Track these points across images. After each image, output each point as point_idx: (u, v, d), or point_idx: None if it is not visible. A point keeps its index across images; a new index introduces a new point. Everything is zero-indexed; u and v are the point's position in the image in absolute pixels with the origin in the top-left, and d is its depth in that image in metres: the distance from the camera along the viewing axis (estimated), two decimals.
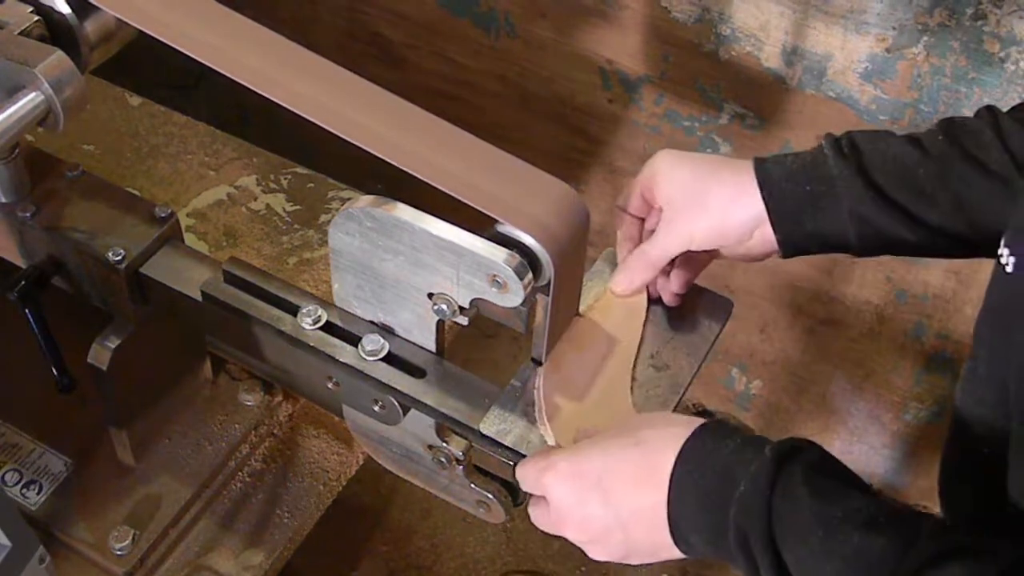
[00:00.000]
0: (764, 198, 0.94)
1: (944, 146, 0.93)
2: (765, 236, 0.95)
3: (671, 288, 1.00)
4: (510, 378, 0.93)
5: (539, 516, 0.87)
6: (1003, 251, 0.79)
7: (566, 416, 0.90)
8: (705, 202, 0.95)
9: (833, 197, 0.93)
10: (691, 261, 0.99)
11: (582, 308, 0.97)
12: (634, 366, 0.95)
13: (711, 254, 1.00)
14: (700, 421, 0.80)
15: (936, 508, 0.90)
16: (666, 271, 1.00)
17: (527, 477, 0.86)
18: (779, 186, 0.94)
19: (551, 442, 0.88)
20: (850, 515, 0.71)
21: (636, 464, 0.80)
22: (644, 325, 0.98)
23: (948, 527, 0.73)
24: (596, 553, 0.84)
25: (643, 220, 1.01)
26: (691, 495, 0.77)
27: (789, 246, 0.96)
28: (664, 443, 0.79)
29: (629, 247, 1.01)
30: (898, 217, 0.92)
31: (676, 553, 0.80)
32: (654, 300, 1.01)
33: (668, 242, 0.97)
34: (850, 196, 0.92)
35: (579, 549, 0.86)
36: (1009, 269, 0.78)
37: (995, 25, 1.45)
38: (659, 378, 0.94)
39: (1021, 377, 0.76)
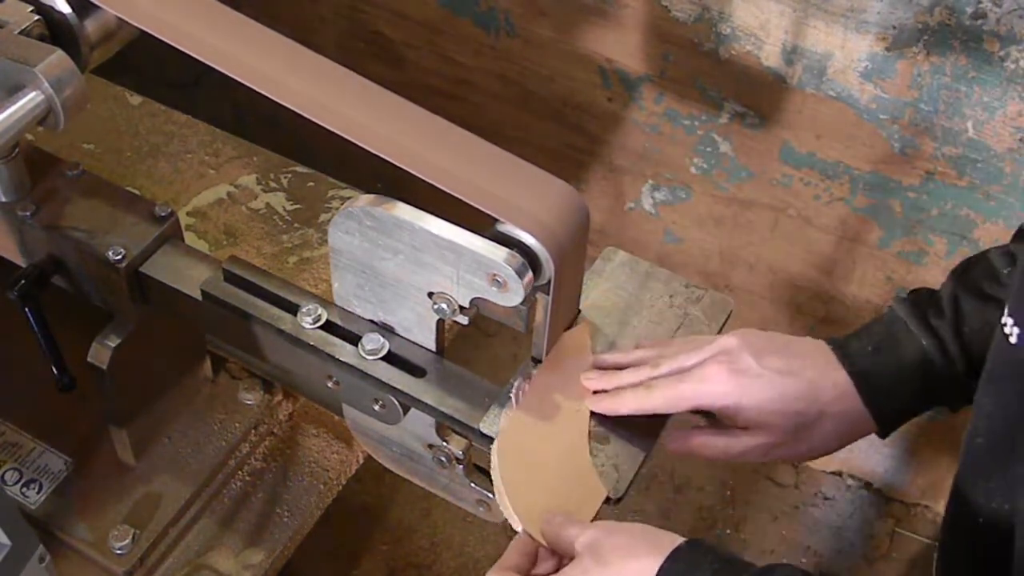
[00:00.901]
0: (868, 407, 0.89)
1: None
2: (823, 430, 0.90)
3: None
4: (510, 377, 0.93)
5: None
6: (1007, 320, 0.76)
7: (530, 497, 0.87)
8: (790, 371, 0.88)
9: (915, 358, 0.89)
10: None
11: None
12: None
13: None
14: (672, 545, 0.78)
15: (935, 507, 0.90)
16: None
17: None
18: (881, 388, 0.89)
19: (518, 527, 0.85)
20: None
21: None
22: None
23: None
24: None
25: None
26: None
27: (888, 425, 0.91)
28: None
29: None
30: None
31: None
32: None
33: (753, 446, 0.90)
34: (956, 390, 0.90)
35: None
36: (1013, 340, 0.76)
37: (995, 24, 1.45)
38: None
39: None
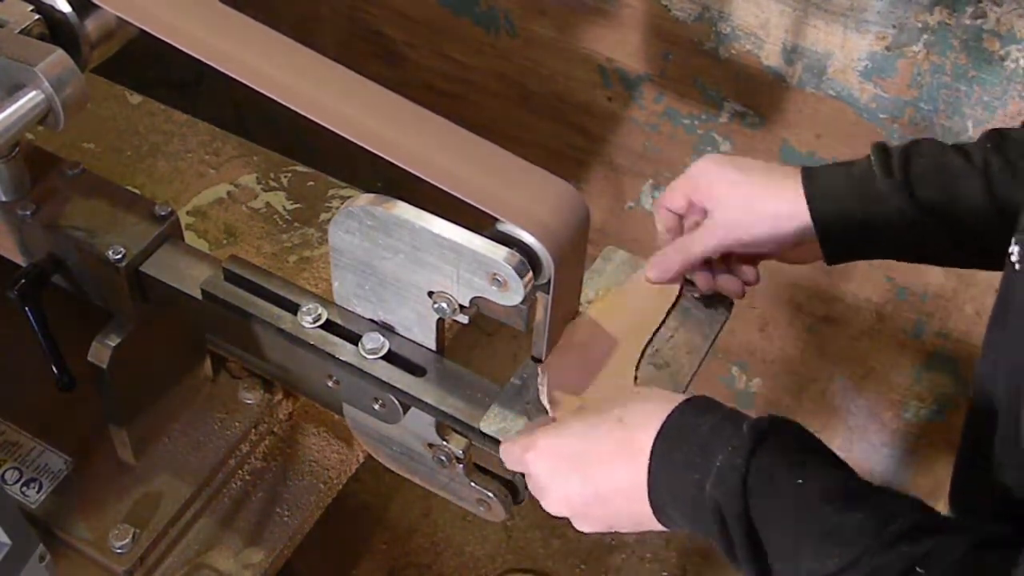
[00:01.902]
0: (812, 213, 0.95)
1: (989, 155, 0.94)
2: (812, 247, 0.98)
3: (743, 279, 1.02)
4: (510, 376, 0.93)
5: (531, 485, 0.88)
6: (1013, 249, 0.79)
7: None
8: (755, 209, 0.97)
9: (881, 214, 0.95)
10: (743, 258, 1.02)
11: (582, 304, 0.97)
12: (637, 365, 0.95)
13: (759, 253, 1.01)
14: (683, 397, 0.81)
15: (937, 507, 0.90)
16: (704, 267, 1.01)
17: (510, 455, 0.87)
18: (827, 202, 0.96)
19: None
20: (827, 491, 0.72)
21: (616, 441, 0.80)
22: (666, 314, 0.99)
23: (926, 506, 0.73)
24: (580, 526, 0.85)
25: (681, 216, 1.02)
26: (669, 470, 0.77)
27: (834, 257, 0.99)
28: (645, 418, 0.80)
29: (669, 238, 1.02)
30: (945, 230, 0.94)
31: (658, 525, 0.80)
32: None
33: (711, 241, 0.98)
34: (898, 211, 0.94)
35: (578, 548, 0.86)
36: (1018, 267, 0.78)
37: (995, 23, 1.45)
38: (659, 376, 0.94)
39: None
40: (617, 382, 0.92)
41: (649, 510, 0.79)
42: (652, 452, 0.78)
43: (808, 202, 0.96)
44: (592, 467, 0.81)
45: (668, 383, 0.94)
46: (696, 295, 1.01)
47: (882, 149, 0.97)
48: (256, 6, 1.18)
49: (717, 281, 1.01)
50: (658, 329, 0.97)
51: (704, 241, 0.98)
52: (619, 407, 0.82)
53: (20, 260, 1.09)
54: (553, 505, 0.85)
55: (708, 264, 1.01)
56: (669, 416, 0.79)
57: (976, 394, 0.86)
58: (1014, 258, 0.79)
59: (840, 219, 0.96)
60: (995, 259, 0.87)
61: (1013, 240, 0.80)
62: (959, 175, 0.94)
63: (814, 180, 0.97)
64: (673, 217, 1.02)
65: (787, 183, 0.97)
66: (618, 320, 0.97)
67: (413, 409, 0.94)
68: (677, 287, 1.01)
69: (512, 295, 0.84)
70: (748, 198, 0.97)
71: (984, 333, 0.86)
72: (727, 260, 1.02)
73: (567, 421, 0.85)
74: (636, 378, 0.93)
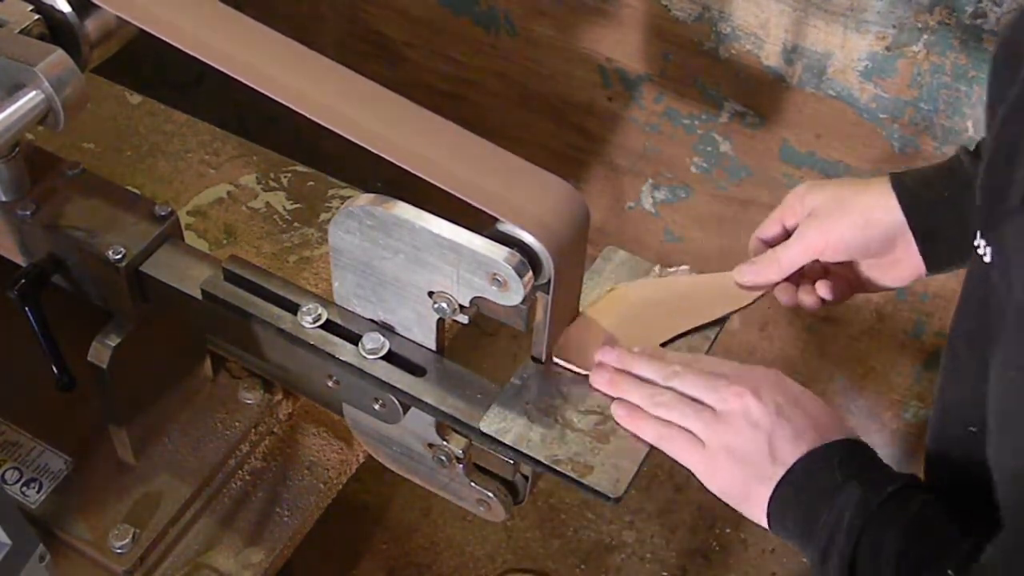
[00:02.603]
0: (901, 202, 0.94)
1: None
2: (908, 251, 0.96)
3: (818, 294, 1.01)
4: (510, 376, 0.93)
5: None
6: (979, 242, 0.78)
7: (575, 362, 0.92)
8: (844, 206, 0.96)
9: (971, 197, 0.91)
10: (837, 278, 1.00)
11: (584, 304, 0.97)
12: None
13: (857, 277, 1.00)
14: (830, 438, 0.83)
15: None
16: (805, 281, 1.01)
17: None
18: (917, 194, 0.94)
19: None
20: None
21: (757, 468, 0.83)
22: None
23: None
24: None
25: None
26: (792, 510, 0.81)
27: (932, 258, 0.96)
28: (792, 447, 0.82)
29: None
30: None
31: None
32: None
33: (801, 245, 0.97)
34: None
35: (578, 548, 0.86)
36: (987, 259, 0.78)
37: (995, 24, 1.45)
38: None
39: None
40: None
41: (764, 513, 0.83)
42: (771, 498, 0.82)
43: (895, 189, 0.94)
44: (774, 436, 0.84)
45: None
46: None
47: (965, 148, 0.96)
48: (256, 6, 1.18)
49: (799, 293, 1.01)
50: (706, 326, 0.98)
51: (793, 246, 0.97)
52: (773, 432, 0.83)
53: (20, 260, 1.09)
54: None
55: (798, 277, 1.00)
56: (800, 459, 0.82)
57: (945, 378, 0.87)
58: (981, 251, 0.78)
59: (932, 209, 0.94)
60: None
61: (978, 235, 0.79)
62: None
63: (902, 175, 0.96)
64: (765, 248, 1.01)
65: (876, 180, 0.96)
66: (668, 299, 0.99)
67: (413, 409, 0.94)
68: (750, 295, 1.00)
69: (512, 295, 0.84)
70: (837, 198, 0.96)
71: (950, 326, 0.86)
72: (818, 277, 1.01)
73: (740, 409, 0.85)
74: None
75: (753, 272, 1.00)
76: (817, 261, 0.99)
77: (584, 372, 0.92)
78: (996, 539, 0.72)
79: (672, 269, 1.02)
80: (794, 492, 0.82)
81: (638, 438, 0.88)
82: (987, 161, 0.78)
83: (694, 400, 0.87)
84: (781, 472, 0.82)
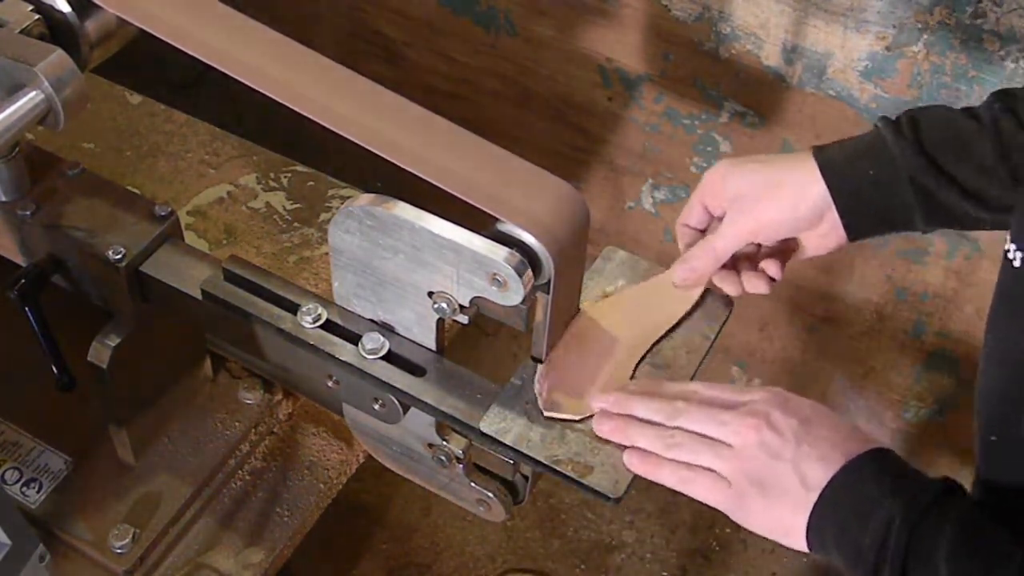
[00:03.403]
0: (827, 182, 0.95)
1: (999, 116, 0.93)
2: (834, 223, 0.97)
3: (769, 274, 1.01)
4: (510, 376, 0.93)
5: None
6: (1010, 246, 0.79)
7: (565, 412, 0.90)
8: (771, 188, 0.96)
9: (894, 175, 0.94)
10: (775, 253, 1.01)
11: (584, 304, 0.97)
12: (636, 365, 0.95)
13: (785, 247, 1.01)
14: (860, 450, 0.82)
15: None
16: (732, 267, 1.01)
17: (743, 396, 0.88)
18: (841, 169, 0.95)
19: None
20: None
21: (793, 499, 0.82)
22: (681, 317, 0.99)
23: None
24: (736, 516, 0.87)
25: (703, 231, 1.02)
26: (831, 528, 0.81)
27: (854, 230, 0.97)
28: (822, 472, 0.81)
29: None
30: (959, 191, 0.93)
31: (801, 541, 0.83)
32: None
33: (735, 231, 0.97)
34: (911, 172, 0.93)
35: (578, 548, 0.86)
36: (1017, 264, 0.78)
37: (995, 23, 1.45)
38: (659, 377, 0.94)
39: None
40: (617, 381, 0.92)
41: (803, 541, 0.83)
42: (808, 526, 0.82)
43: (821, 169, 0.95)
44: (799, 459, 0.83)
45: None
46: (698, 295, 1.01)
47: (886, 119, 0.97)
48: (256, 6, 1.18)
49: (743, 280, 1.00)
50: (669, 332, 0.97)
51: (727, 234, 0.98)
52: (797, 458, 0.83)
53: (20, 260, 1.09)
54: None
55: (732, 264, 1.00)
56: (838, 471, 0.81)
57: (982, 388, 0.86)
58: (1011, 255, 0.79)
59: (854, 181, 0.95)
60: (1005, 220, 0.87)
61: (1008, 237, 0.79)
62: (970, 136, 0.93)
63: (825, 150, 0.97)
64: (694, 233, 1.02)
65: (799, 158, 0.97)
66: (624, 320, 0.97)
67: (413, 409, 0.94)
68: (694, 291, 1.00)
69: (512, 295, 0.84)
70: (764, 182, 0.97)
71: (985, 330, 0.86)
72: (751, 260, 1.01)
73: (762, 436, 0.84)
74: (632, 377, 0.93)
75: (689, 270, 0.99)
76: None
77: (577, 418, 0.90)
78: None
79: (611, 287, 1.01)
80: (832, 514, 0.80)
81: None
82: None
83: (706, 436, 0.85)
84: (814, 498, 0.81)
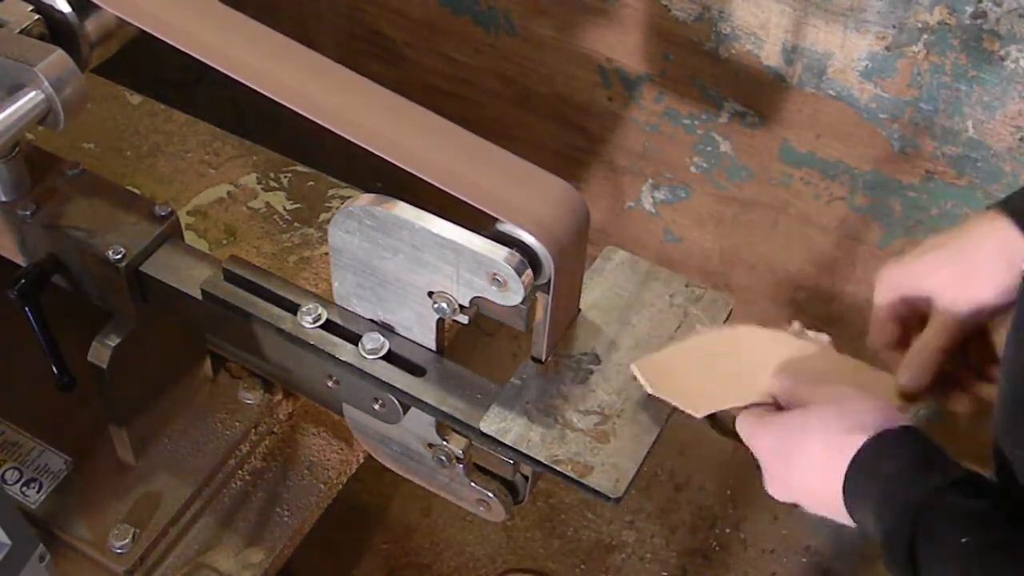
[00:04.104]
0: None
1: None
2: None
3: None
4: (510, 376, 0.93)
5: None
6: None
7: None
8: (973, 266, 0.88)
9: None
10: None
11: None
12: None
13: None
14: (883, 426, 0.81)
15: None
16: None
17: (743, 424, 0.88)
18: None
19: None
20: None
21: (818, 472, 0.82)
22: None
23: None
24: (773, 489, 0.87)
25: (903, 327, 0.94)
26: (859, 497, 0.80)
27: None
28: (844, 451, 0.80)
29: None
30: None
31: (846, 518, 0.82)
32: None
33: (949, 324, 0.90)
34: None
35: (578, 548, 0.86)
36: None
37: (995, 24, 1.45)
38: None
39: None
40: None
41: (840, 503, 0.81)
42: (844, 489, 0.80)
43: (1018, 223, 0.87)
44: (798, 458, 0.83)
45: None
46: (697, 294, 1.01)
47: None
48: (256, 6, 1.17)
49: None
50: None
51: (940, 330, 0.90)
52: (822, 430, 0.82)
53: (20, 260, 1.09)
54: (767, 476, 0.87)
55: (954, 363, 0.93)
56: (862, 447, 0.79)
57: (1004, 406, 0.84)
58: None
59: None
60: None
61: None
62: None
63: (1011, 199, 0.89)
64: (895, 330, 0.95)
65: (986, 222, 0.88)
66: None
67: (413, 409, 0.94)
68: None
69: (512, 295, 0.84)
70: (960, 262, 0.89)
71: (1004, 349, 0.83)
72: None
73: (802, 411, 0.85)
74: None
75: (912, 376, 0.92)
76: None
77: (687, 411, 0.90)
78: None
79: (812, 334, 0.98)
80: (864, 480, 0.79)
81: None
82: None
83: None
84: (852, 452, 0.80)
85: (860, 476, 0.80)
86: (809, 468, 0.83)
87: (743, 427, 0.89)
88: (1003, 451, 0.81)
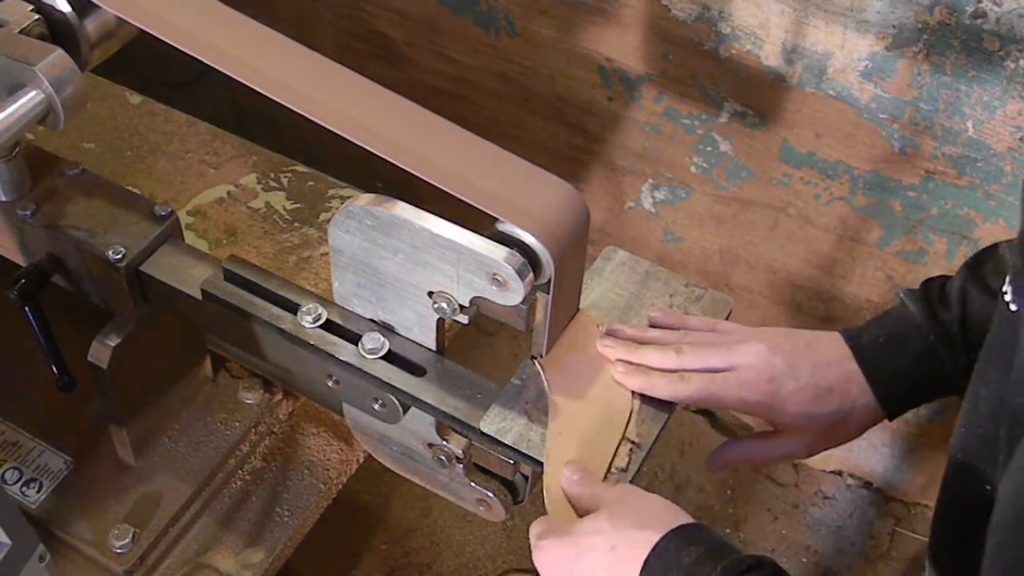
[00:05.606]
0: (872, 386, 0.93)
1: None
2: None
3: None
4: (510, 376, 0.93)
5: None
6: (1007, 288, 0.78)
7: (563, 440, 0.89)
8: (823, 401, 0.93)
9: (931, 355, 0.93)
10: None
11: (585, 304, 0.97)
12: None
13: None
14: (677, 522, 0.81)
15: (933, 505, 0.89)
16: None
17: (532, 532, 0.87)
18: (879, 364, 0.93)
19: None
20: None
21: (607, 567, 0.81)
22: None
23: None
24: None
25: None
26: None
27: (896, 409, 0.95)
28: (635, 551, 0.80)
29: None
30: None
31: None
32: None
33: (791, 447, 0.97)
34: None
35: None
36: (1014, 308, 0.77)
37: (995, 24, 1.45)
38: None
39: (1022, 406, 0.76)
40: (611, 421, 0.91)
41: None
42: None
43: (863, 368, 0.93)
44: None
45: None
46: (697, 294, 1.01)
47: (908, 292, 0.95)
48: (256, 6, 1.17)
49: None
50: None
51: (778, 449, 0.97)
52: (611, 531, 0.82)
53: (20, 260, 1.09)
54: None
55: None
56: (655, 546, 0.80)
57: (966, 429, 0.85)
58: (1008, 299, 0.77)
59: (893, 372, 0.93)
60: None
61: (1007, 280, 0.78)
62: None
63: (859, 342, 0.94)
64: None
65: (832, 352, 0.93)
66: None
67: (413, 409, 0.94)
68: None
69: (512, 295, 0.84)
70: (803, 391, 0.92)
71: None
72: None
73: (570, 532, 0.84)
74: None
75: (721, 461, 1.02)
76: None
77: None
78: None
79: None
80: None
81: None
82: None
83: None
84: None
85: (659, 567, 0.80)
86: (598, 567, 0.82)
87: (532, 533, 0.87)
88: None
